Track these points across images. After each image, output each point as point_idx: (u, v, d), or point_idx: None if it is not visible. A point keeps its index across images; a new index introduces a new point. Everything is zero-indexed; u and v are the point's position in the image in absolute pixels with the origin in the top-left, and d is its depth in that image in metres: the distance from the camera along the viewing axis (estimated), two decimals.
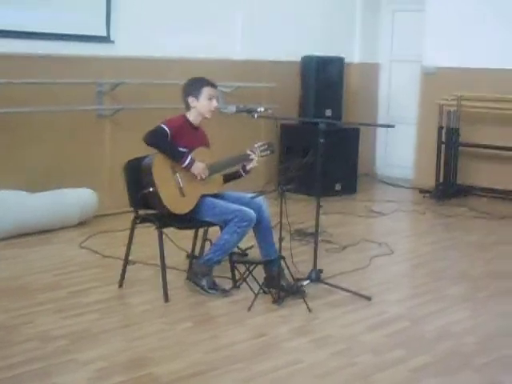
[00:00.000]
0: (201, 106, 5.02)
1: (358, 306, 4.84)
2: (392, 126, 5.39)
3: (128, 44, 7.31)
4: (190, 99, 5.02)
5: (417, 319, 4.65)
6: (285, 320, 4.56)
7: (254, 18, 8.49)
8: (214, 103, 5.05)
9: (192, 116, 5.05)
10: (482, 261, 6.07)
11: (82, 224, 6.69)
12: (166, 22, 7.62)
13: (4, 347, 4.01)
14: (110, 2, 7.16)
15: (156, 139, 4.82)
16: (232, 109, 5.17)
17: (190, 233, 5.36)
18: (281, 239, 4.78)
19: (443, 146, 8.67)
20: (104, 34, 7.20)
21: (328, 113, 8.72)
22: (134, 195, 4.94)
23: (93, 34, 7.15)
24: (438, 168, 8.68)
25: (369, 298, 4.94)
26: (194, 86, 5.04)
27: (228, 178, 5.21)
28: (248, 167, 5.16)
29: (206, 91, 5.02)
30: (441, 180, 8.68)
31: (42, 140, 6.86)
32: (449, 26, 8.88)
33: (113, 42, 7.26)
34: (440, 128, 8.65)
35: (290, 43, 8.81)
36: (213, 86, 5.09)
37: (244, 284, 5.01)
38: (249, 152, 5.14)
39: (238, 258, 5.42)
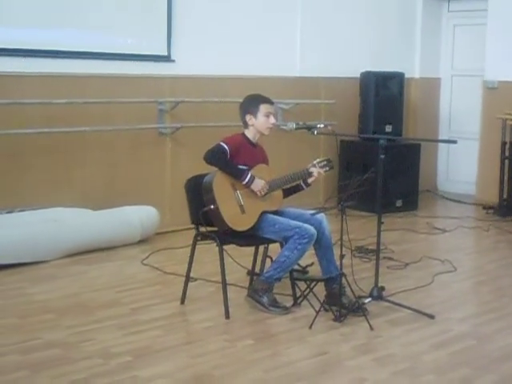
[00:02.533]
0: (258, 124, 5.03)
1: (421, 324, 4.76)
2: (454, 142, 5.30)
3: (188, 63, 7.38)
4: (248, 117, 5.03)
5: (482, 337, 4.56)
6: (346, 338, 4.51)
7: (313, 34, 8.49)
8: (272, 120, 5.05)
9: (250, 133, 5.06)
10: None
11: (143, 241, 6.73)
12: (225, 41, 7.68)
13: (66, 364, 4.04)
14: (170, 22, 7.26)
15: (216, 157, 4.84)
16: (292, 125, 5.16)
17: (251, 250, 5.35)
18: (342, 256, 4.74)
19: (506, 161, 8.51)
20: (165, 53, 7.30)
21: (388, 128, 8.65)
22: (195, 212, 4.96)
23: (154, 53, 7.26)
24: (502, 184, 8.51)
25: (432, 316, 4.86)
26: (251, 103, 5.05)
27: (289, 192, 5.20)
28: (310, 180, 5.14)
29: (263, 108, 5.02)
30: (505, 196, 8.50)
31: (104, 158, 6.98)
32: (510, 40, 8.75)
33: (173, 61, 7.34)
34: (503, 143, 8.50)
35: (349, 59, 8.79)
36: (269, 102, 5.09)
37: (305, 301, 4.97)
38: (310, 168, 5.10)
39: (298, 275, 5.40)
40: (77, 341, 4.37)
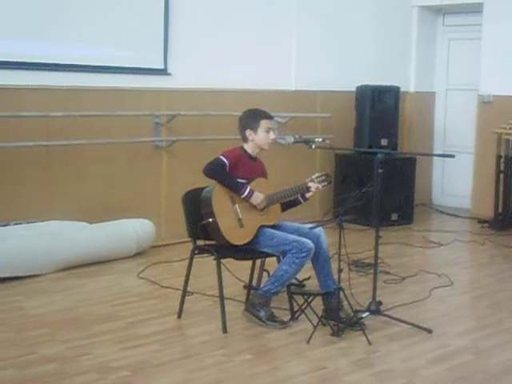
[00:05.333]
0: (259, 139, 5.03)
1: (419, 339, 4.75)
2: (452, 156, 5.28)
3: (185, 76, 7.39)
4: (248, 132, 5.03)
5: (480, 352, 4.55)
6: (344, 353, 4.50)
7: (309, 48, 8.51)
8: (272, 135, 5.06)
9: (250, 148, 5.06)
10: None
11: (139, 254, 6.71)
12: (222, 55, 7.69)
13: (63, 379, 4.01)
14: (167, 35, 7.26)
15: (215, 171, 4.83)
16: (290, 139, 5.17)
17: (248, 263, 5.34)
18: (339, 270, 4.73)
19: (501, 175, 8.52)
20: (162, 66, 7.30)
21: (384, 142, 8.65)
22: (192, 226, 4.94)
23: (151, 66, 7.25)
24: (497, 197, 8.52)
25: (430, 331, 4.85)
26: (252, 119, 5.05)
27: (286, 206, 5.18)
28: (307, 195, 5.13)
29: (264, 124, 5.02)
30: (500, 210, 8.52)
31: (100, 171, 6.95)
32: (505, 54, 8.80)
33: (170, 74, 7.34)
34: (498, 157, 8.52)
35: (345, 73, 8.80)
36: (270, 118, 5.10)
37: (302, 316, 4.95)
38: (308, 183, 5.07)
39: (295, 289, 5.38)
40: (73, 355, 4.33)
